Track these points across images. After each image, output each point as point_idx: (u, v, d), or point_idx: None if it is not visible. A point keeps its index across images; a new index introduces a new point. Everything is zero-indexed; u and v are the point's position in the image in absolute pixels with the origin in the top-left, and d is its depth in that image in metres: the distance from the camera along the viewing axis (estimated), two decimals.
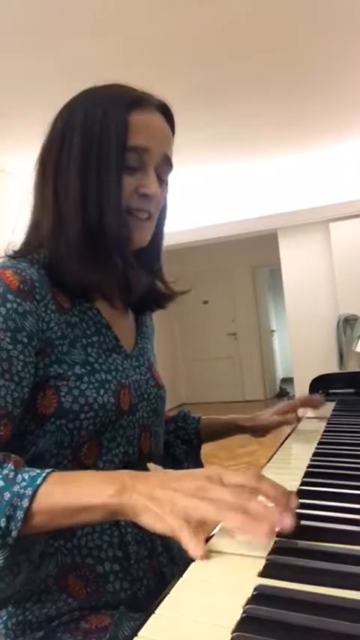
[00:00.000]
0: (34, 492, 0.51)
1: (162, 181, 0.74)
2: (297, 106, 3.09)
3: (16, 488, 0.51)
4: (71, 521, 0.53)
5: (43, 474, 0.53)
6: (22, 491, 0.51)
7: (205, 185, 4.47)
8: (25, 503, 0.50)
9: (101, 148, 0.68)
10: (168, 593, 0.41)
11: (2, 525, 0.49)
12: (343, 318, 5.31)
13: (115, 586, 0.68)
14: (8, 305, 0.61)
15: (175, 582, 0.42)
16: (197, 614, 0.38)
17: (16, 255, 0.69)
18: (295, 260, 5.71)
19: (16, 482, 0.52)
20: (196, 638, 0.35)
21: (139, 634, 0.36)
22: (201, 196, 4.74)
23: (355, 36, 2.36)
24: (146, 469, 0.79)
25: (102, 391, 0.67)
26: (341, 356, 5.34)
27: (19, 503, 0.50)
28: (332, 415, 1.07)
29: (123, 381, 0.72)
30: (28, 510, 0.50)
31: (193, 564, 0.45)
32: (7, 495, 0.51)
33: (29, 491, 0.51)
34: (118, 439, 0.70)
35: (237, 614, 0.36)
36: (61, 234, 0.68)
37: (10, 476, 0.53)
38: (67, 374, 0.65)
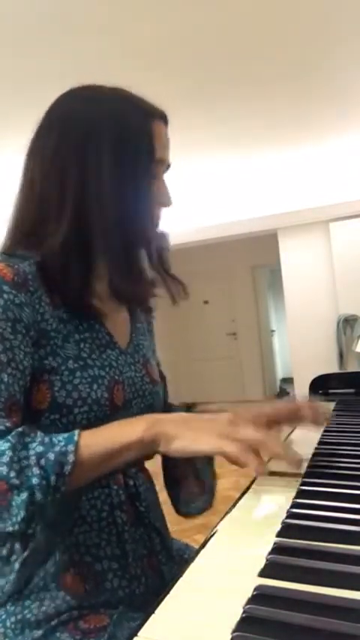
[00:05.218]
0: (76, 448, 0.55)
1: None
2: (297, 105, 3.09)
3: (57, 448, 0.55)
4: (111, 465, 0.58)
5: (77, 432, 0.57)
6: (63, 449, 0.55)
7: (204, 185, 4.47)
8: (71, 458, 0.54)
9: (136, 160, 0.69)
10: (168, 593, 0.41)
11: (52, 483, 0.53)
12: (343, 318, 5.31)
13: (114, 584, 0.68)
14: (5, 296, 0.62)
15: (175, 582, 0.42)
16: (197, 614, 0.38)
17: (6, 253, 0.69)
18: (295, 260, 5.70)
19: (54, 443, 0.56)
20: (196, 638, 0.35)
21: (138, 634, 0.36)
22: (201, 196, 4.74)
23: (356, 34, 2.36)
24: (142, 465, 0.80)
25: (95, 386, 0.68)
26: (341, 356, 5.33)
27: (64, 460, 0.54)
28: (332, 415, 1.07)
29: (117, 377, 0.72)
30: (74, 465, 0.54)
31: (192, 564, 0.45)
32: (51, 456, 0.54)
33: (71, 448, 0.55)
34: None
35: (237, 614, 0.36)
36: (91, 244, 0.69)
37: (46, 440, 0.56)
38: (60, 368, 0.66)
